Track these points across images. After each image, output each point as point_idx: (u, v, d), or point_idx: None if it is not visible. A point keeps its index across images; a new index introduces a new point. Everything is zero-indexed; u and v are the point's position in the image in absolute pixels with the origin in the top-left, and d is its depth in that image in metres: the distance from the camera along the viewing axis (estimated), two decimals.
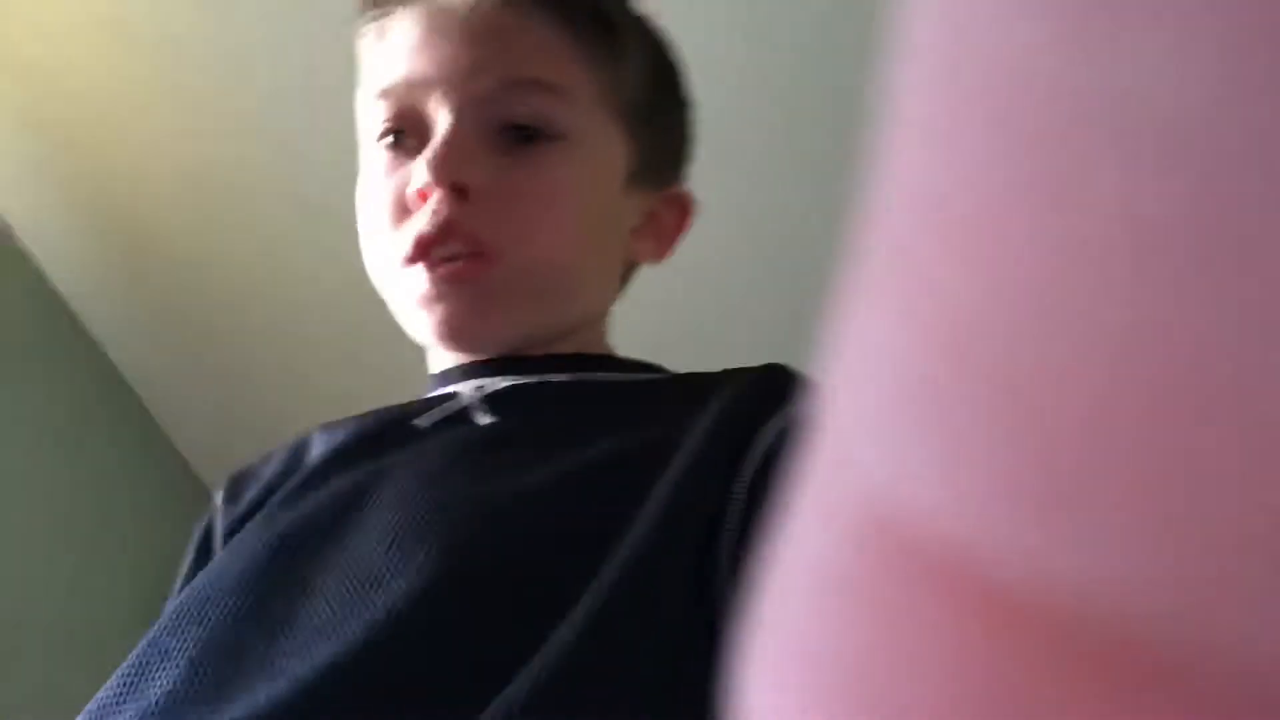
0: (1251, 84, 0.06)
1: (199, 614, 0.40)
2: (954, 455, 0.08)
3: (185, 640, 0.39)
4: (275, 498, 0.47)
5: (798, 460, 0.10)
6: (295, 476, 0.48)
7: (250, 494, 0.52)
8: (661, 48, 0.57)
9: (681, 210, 0.59)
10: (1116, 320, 0.07)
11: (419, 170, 0.47)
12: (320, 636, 0.37)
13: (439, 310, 0.48)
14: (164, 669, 0.38)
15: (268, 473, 0.53)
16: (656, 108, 0.55)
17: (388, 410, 0.52)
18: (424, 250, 0.47)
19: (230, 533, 0.50)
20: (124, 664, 0.40)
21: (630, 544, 0.38)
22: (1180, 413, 0.07)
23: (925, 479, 0.08)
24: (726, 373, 0.49)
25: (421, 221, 0.47)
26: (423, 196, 0.47)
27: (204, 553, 0.52)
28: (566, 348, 0.53)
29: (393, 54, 0.51)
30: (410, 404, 0.52)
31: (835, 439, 0.10)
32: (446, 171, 0.46)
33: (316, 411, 0.65)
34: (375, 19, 0.53)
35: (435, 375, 0.55)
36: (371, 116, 0.51)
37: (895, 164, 0.09)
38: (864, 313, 0.09)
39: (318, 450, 0.50)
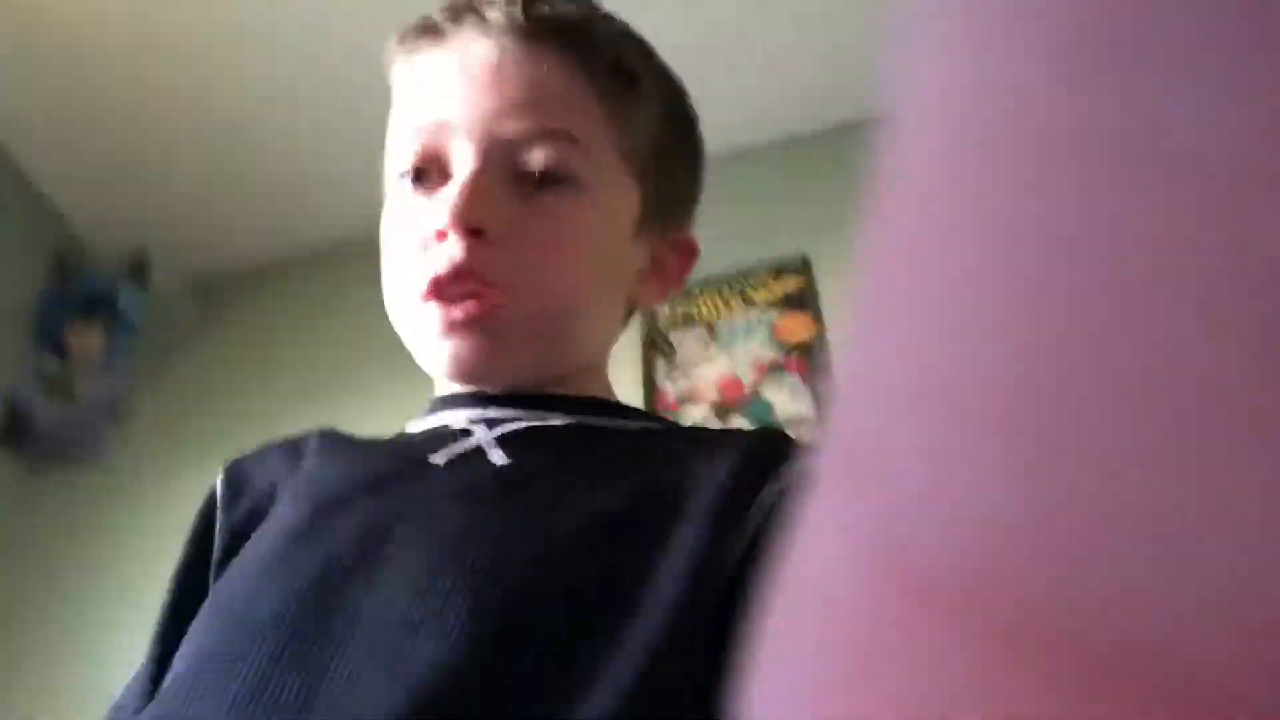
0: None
1: (228, 668, 0.40)
2: (961, 487, 0.08)
3: (221, 696, 0.39)
4: (284, 514, 0.47)
5: (807, 484, 0.10)
6: (301, 492, 0.49)
7: (249, 496, 0.53)
8: (676, 98, 0.59)
9: (685, 255, 0.61)
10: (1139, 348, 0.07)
11: (439, 210, 0.49)
12: (350, 695, 0.37)
13: (450, 347, 0.50)
14: None
15: (266, 474, 0.54)
16: (667, 157, 0.57)
17: (400, 443, 0.53)
18: (439, 289, 0.49)
19: (233, 535, 0.51)
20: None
21: (660, 604, 0.39)
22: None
23: (929, 512, 0.08)
24: (727, 431, 0.50)
25: (438, 261, 0.49)
26: (441, 236, 0.49)
27: (202, 544, 0.53)
28: (572, 388, 0.55)
29: (421, 93, 0.54)
30: (421, 434, 0.53)
31: (843, 466, 0.10)
32: (465, 216, 0.48)
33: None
34: (406, 51, 0.56)
35: (437, 399, 0.56)
36: (398, 153, 0.54)
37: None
38: (875, 346, 0.09)
39: (329, 477, 0.50)
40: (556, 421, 0.52)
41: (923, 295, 0.09)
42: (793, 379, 1.73)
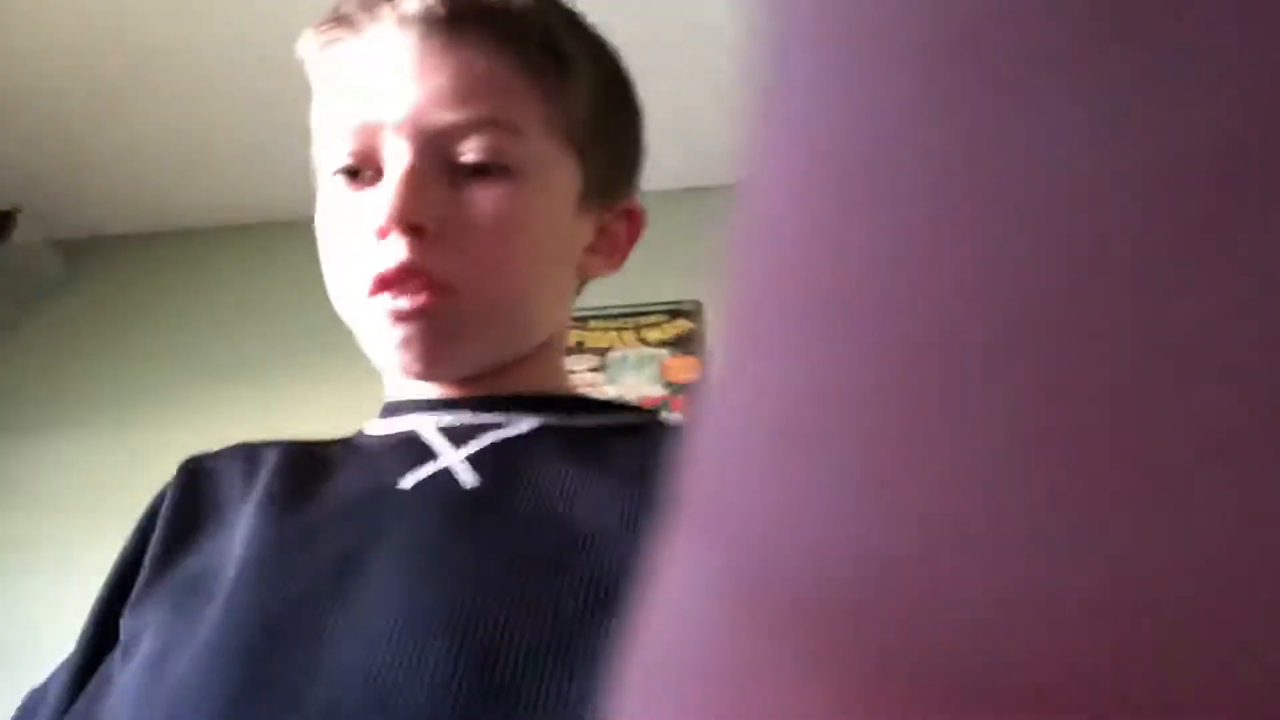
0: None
1: (196, 699, 0.39)
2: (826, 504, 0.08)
3: None
4: (248, 543, 0.46)
5: (663, 529, 0.10)
6: (263, 522, 0.47)
7: (199, 507, 0.52)
8: (609, 65, 0.58)
9: (632, 222, 0.60)
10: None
11: (377, 209, 0.48)
12: None
13: (400, 341, 0.50)
14: None
15: (221, 488, 0.53)
16: (605, 128, 0.56)
17: (364, 461, 0.52)
18: (385, 285, 0.49)
19: (172, 538, 0.50)
20: None
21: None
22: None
23: (782, 548, 0.08)
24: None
25: (380, 259, 0.49)
26: (382, 234, 0.49)
27: (144, 538, 0.52)
28: (532, 378, 0.55)
29: (346, 88, 0.52)
30: (382, 444, 0.53)
31: (696, 508, 0.09)
32: (404, 214, 0.48)
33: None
34: (323, 43, 0.54)
35: (393, 403, 0.56)
36: (328, 149, 0.52)
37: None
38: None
39: (293, 506, 0.48)
40: (523, 428, 0.51)
41: (770, 331, 0.08)
42: (676, 416, 1.80)
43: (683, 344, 1.90)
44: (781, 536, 0.08)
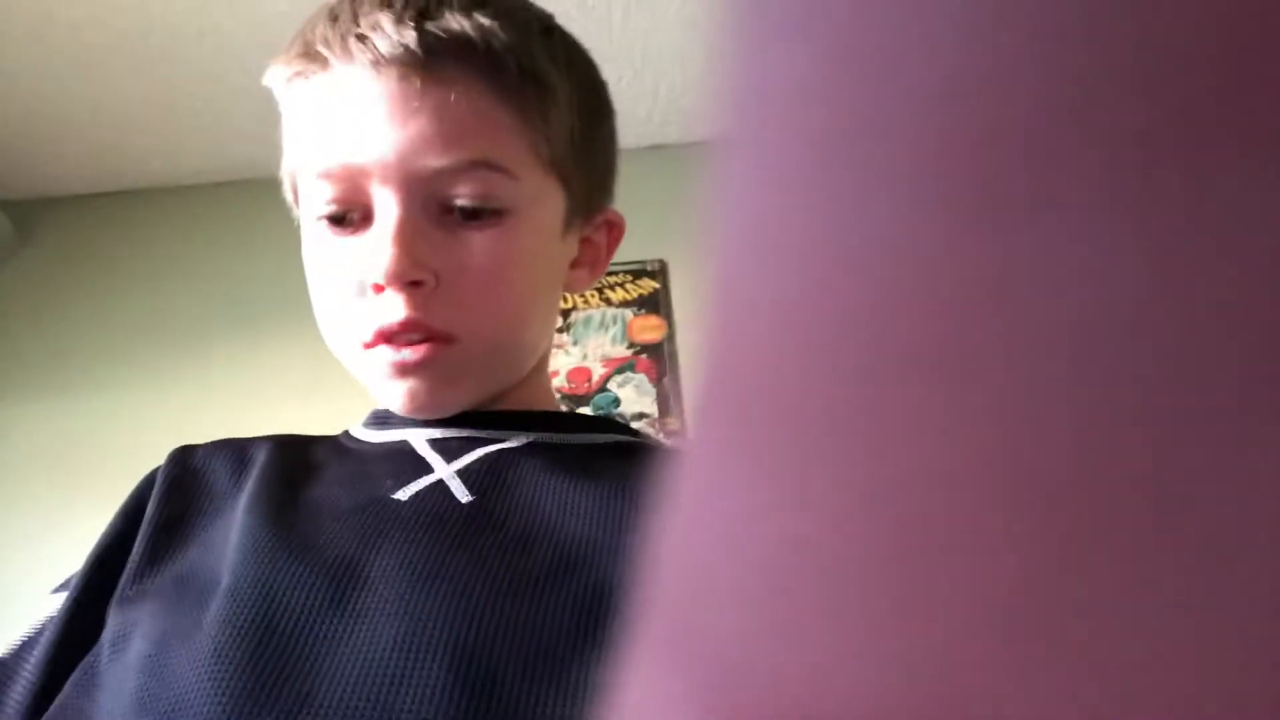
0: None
1: (198, 706, 0.39)
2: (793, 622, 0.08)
3: None
4: (240, 549, 0.46)
5: (628, 650, 0.10)
6: (257, 524, 0.47)
7: (185, 502, 0.51)
8: (586, 79, 0.56)
9: (611, 230, 0.61)
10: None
11: (372, 265, 0.48)
12: None
13: (402, 389, 0.50)
14: None
15: (212, 480, 0.52)
16: (586, 148, 0.55)
17: (358, 466, 0.52)
18: (385, 339, 0.49)
19: (158, 532, 0.49)
20: None
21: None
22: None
23: (751, 673, 0.08)
24: None
25: (379, 314, 0.49)
26: (378, 289, 0.49)
27: (130, 523, 0.51)
28: (519, 397, 0.56)
29: (323, 131, 0.49)
30: (375, 453, 0.53)
31: (671, 616, 0.09)
32: (401, 274, 0.47)
33: None
34: (294, 76, 0.51)
35: (381, 413, 0.56)
36: (310, 194, 0.51)
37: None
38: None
39: (288, 512, 0.48)
40: (514, 443, 0.52)
41: (748, 471, 0.08)
42: (639, 377, 1.81)
43: (647, 304, 1.90)
44: (751, 668, 0.08)
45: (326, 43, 0.49)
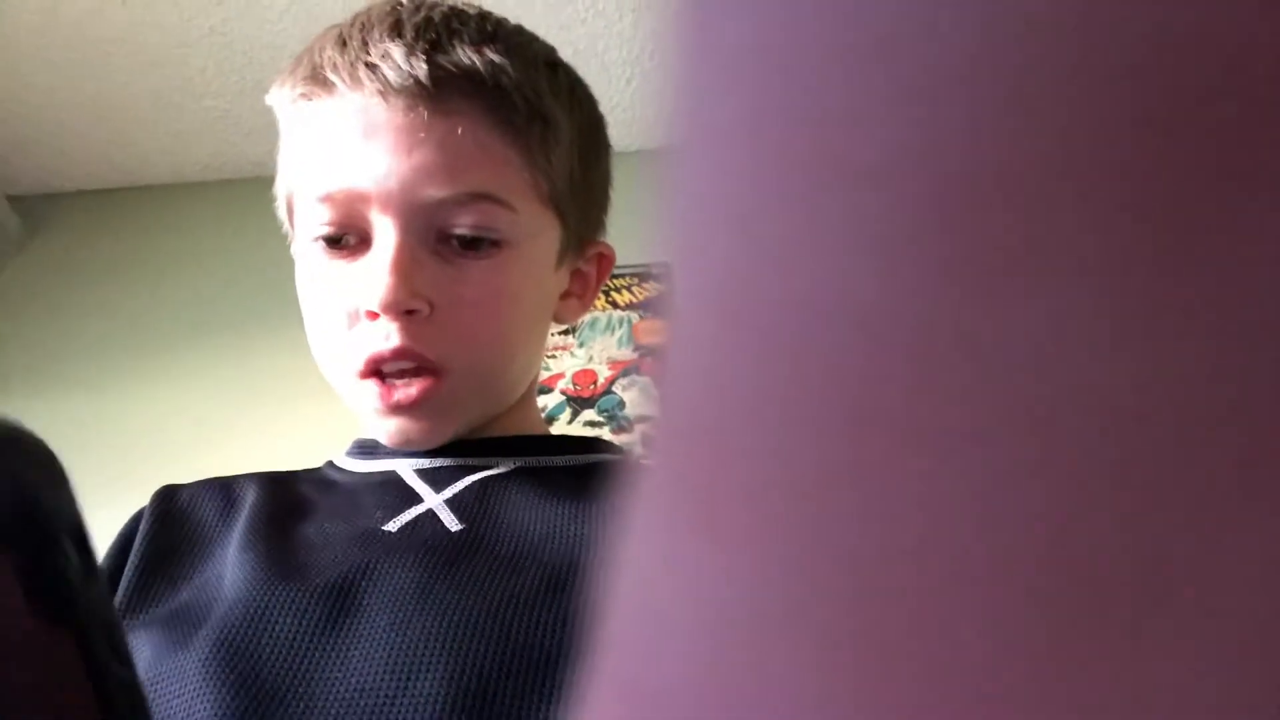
0: None
1: None
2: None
3: None
4: (232, 588, 0.45)
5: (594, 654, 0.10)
6: (249, 563, 0.46)
7: (182, 541, 0.51)
8: (588, 115, 0.57)
9: (601, 261, 0.61)
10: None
11: (368, 292, 0.48)
12: None
13: (395, 426, 0.51)
14: None
15: (201, 519, 0.52)
16: (583, 180, 0.55)
17: (345, 498, 0.51)
18: (377, 367, 0.49)
19: (151, 570, 0.49)
20: None
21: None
22: None
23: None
24: None
25: (372, 341, 0.49)
26: (372, 317, 0.48)
27: (116, 563, 0.51)
28: (505, 424, 0.56)
29: (324, 154, 0.49)
30: (363, 483, 0.52)
31: (623, 661, 0.09)
32: (397, 303, 0.47)
33: None
34: (298, 96, 0.51)
35: (366, 443, 0.56)
36: (308, 215, 0.51)
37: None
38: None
39: (278, 547, 0.47)
40: (501, 469, 0.52)
41: (708, 523, 0.08)
42: (645, 379, 1.80)
43: (653, 307, 1.89)
44: (695, 708, 0.08)
45: (335, 69, 0.49)
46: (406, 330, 0.48)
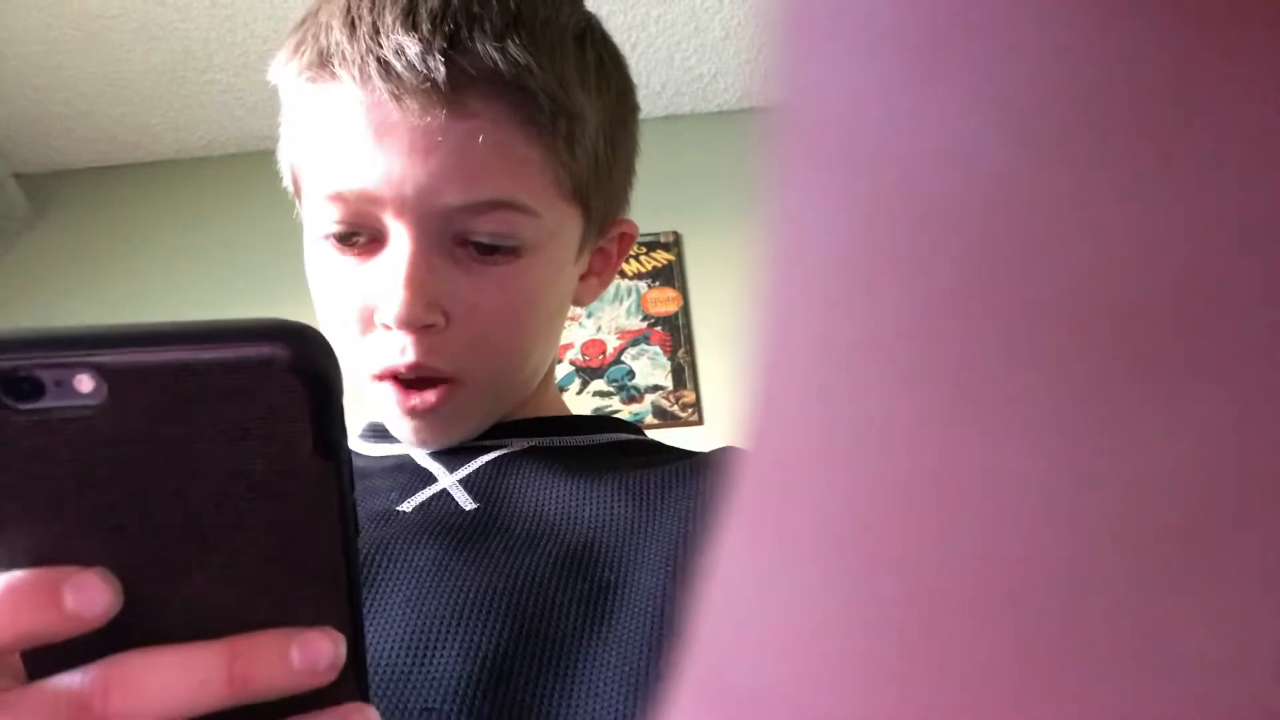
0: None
1: None
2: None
3: None
4: None
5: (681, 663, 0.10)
6: None
7: None
8: (617, 88, 0.53)
9: (622, 240, 0.58)
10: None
11: (385, 304, 0.46)
12: None
13: (409, 428, 0.50)
14: None
15: None
16: (609, 167, 0.52)
17: (361, 486, 0.51)
18: (392, 374, 0.48)
19: None
20: None
21: (631, 640, 0.40)
22: None
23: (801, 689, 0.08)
24: (690, 460, 0.50)
25: (388, 352, 0.48)
26: (388, 328, 0.47)
27: None
28: (528, 408, 0.56)
29: (333, 149, 0.46)
30: (378, 466, 0.52)
31: (709, 669, 0.10)
32: (413, 318, 0.46)
33: None
34: (303, 79, 0.48)
35: (379, 426, 0.56)
36: (317, 211, 0.48)
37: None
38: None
39: None
40: (514, 448, 0.51)
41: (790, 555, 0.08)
42: (654, 349, 1.81)
43: (661, 276, 1.89)
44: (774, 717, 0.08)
45: (345, 61, 0.46)
46: (421, 344, 0.47)
